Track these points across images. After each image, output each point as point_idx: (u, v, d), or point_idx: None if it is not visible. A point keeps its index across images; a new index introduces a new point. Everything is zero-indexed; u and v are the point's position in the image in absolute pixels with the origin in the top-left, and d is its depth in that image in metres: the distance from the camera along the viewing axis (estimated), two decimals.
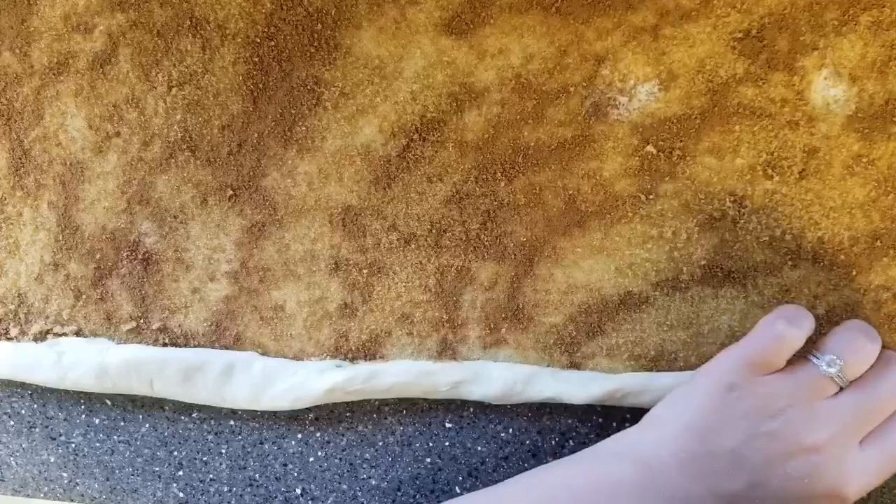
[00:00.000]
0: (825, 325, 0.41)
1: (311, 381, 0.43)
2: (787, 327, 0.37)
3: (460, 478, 0.44)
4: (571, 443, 0.43)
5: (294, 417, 0.45)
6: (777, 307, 0.39)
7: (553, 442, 0.43)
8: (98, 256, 0.45)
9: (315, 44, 0.43)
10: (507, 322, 0.43)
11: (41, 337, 0.45)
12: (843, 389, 0.36)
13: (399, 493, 0.44)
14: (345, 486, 0.45)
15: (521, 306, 0.43)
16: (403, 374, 0.42)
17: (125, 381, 0.43)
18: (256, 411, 0.45)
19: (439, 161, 0.43)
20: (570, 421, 0.43)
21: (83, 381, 0.44)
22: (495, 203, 0.43)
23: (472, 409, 0.44)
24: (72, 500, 0.46)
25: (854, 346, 0.37)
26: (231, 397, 0.43)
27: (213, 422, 0.45)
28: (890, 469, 0.36)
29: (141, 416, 0.46)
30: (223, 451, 0.45)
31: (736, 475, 0.35)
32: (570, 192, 0.42)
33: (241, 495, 0.45)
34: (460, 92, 0.42)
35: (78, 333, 0.45)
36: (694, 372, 0.39)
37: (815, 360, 0.36)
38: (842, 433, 0.35)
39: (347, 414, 0.45)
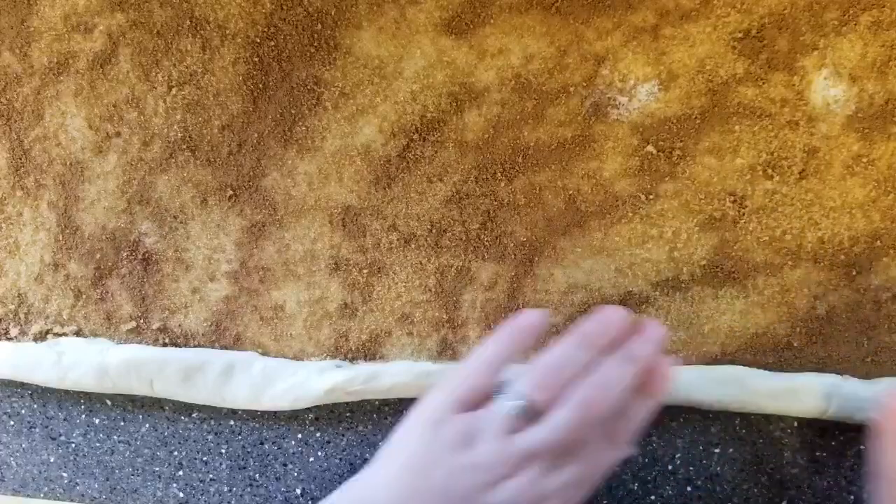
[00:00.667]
0: (825, 325, 0.41)
1: (312, 381, 0.43)
2: (487, 370, 0.37)
3: None
4: None
5: (294, 417, 0.45)
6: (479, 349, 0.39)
7: None
8: (98, 256, 0.45)
9: (315, 44, 0.43)
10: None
11: (41, 337, 0.45)
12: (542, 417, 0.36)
13: None
14: None
15: (521, 306, 0.43)
16: (403, 374, 0.42)
17: (125, 381, 0.43)
18: (256, 411, 0.45)
19: (439, 161, 0.43)
20: None
21: (83, 381, 0.44)
22: (495, 203, 0.43)
23: None
24: (72, 500, 0.46)
25: (540, 382, 0.37)
26: (231, 397, 0.43)
27: (213, 422, 0.45)
28: (587, 479, 0.36)
29: (141, 416, 0.46)
30: (223, 451, 0.45)
31: None
32: (570, 192, 0.42)
33: (241, 495, 0.45)
34: (460, 92, 0.42)
35: (78, 333, 0.45)
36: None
37: (499, 399, 0.37)
38: (531, 462, 0.35)
39: (347, 414, 0.45)
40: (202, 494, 0.46)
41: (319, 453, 0.45)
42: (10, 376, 0.45)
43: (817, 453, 0.42)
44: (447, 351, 0.43)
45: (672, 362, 0.37)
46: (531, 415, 0.36)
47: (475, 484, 0.35)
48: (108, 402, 0.46)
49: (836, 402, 0.40)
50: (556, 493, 0.35)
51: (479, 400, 0.37)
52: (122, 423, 0.46)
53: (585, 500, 0.36)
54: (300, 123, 0.43)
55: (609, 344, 0.36)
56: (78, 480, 0.46)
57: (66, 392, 0.46)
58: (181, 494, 0.46)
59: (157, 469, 0.46)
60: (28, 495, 0.47)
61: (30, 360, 0.44)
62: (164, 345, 0.45)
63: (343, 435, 0.45)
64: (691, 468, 0.43)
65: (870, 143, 0.40)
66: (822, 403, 0.40)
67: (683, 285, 0.42)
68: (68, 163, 0.45)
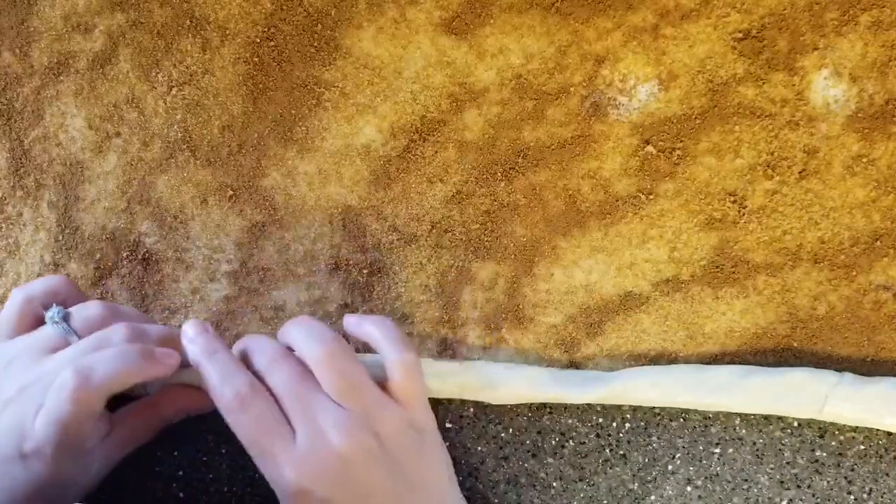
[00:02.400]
0: (825, 325, 0.41)
1: None
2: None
3: (460, 478, 0.44)
4: (571, 443, 0.43)
5: None
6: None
7: (553, 442, 0.43)
8: (98, 256, 0.45)
9: (315, 44, 0.43)
10: (506, 322, 0.43)
11: None
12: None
13: None
14: None
15: (520, 306, 0.43)
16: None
17: None
18: None
19: (439, 161, 0.43)
20: (570, 421, 0.43)
21: None
22: (495, 203, 0.43)
23: (472, 409, 0.44)
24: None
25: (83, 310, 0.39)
26: None
27: (213, 422, 0.45)
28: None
29: None
30: (223, 451, 0.45)
31: None
32: (570, 192, 0.42)
33: (241, 495, 0.45)
34: (460, 92, 0.42)
35: None
36: None
37: (45, 313, 0.38)
38: (37, 384, 0.36)
39: None
40: (202, 494, 0.46)
41: None
42: None
43: (817, 453, 0.42)
44: (447, 351, 0.43)
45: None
46: (69, 331, 0.38)
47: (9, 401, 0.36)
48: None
49: (836, 402, 0.40)
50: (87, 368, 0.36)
51: (15, 328, 0.39)
52: None
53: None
54: (300, 123, 0.43)
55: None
56: None
57: None
58: (181, 494, 0.46)
59: (157, 469, 0.46)
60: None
61: None
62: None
63: None
64: (691, 468, 0.43)
65: (870, 143, 0.40)
66: (822, 403, 0.40)
67: (683, 285, 0.42)
68: (68, 163, 0.45)
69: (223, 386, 0.36)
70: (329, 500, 0.35)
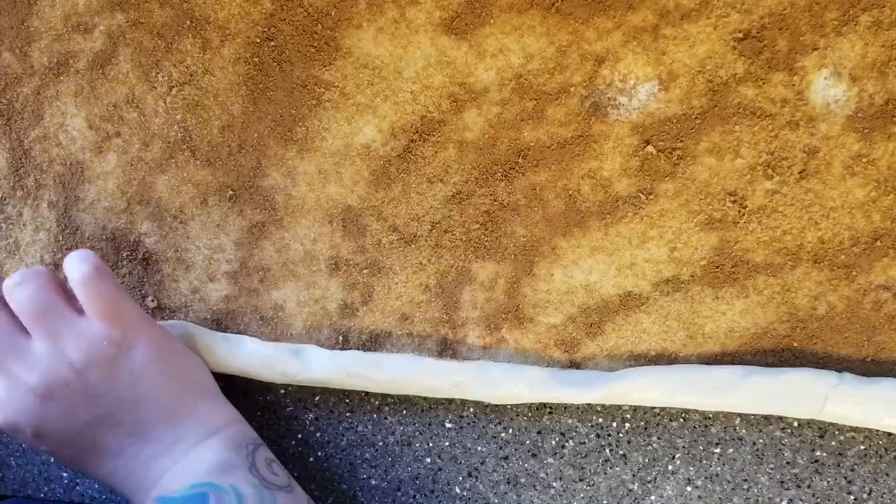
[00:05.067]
0: (825, 325, 0.41)
1: (318, 355, 0.43)
2: None
3: (460, 478, 0.44)
4: (571, 443, 0.43)
5: (294, 417, 0.45)
6: None
7: (553, 442, 0.43)
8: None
9: (315, 44, 0.43)
10: (507, 322, 0.43)
11: None
12: None
13: (399, 493, 0.44)
14: (345, 486, 0.45)
15: (520, 306, 0.43)
16: (405, 366, 0.42)
17: None
18: (256, 412, 0.45)
19: (439, 161, 0.43)
20: (570, 421, 0.43)
21: None
22: (495, 203, 0.43)
23: (472, 409, 0.44)
24: (72, 500, 0.46)
25: None
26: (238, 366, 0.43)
27: None
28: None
29: None
30: None
31: None
32: (570, 192, 0.42)
33: None
34: (460, 92, 0.42)
35: None
36: None
37: None
38: None
39: (347, 414, 0.45)
40: None
41: (319, 453, 0.45)
42: None
43: (817, 453, 0.42)
44: (447, 351, 0.43)
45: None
46: None
47: None
48: None
49: (836, 402, 0.40)
50: None
51: None
52: None
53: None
54: (300, 124, 0.43)
55: None
56: (78, 480, 0.46)
57: None
58: None
59: None
60: (28, 495, 0.46)
61: None
62: None
63: (343, 435, 0.45)
64: (691, 468, 0.43)
65: (870, 143, 0.40)
66: (822, 403, 0.40)
67: (683, 285, 0.42)
68: (68, 163, 0.45)
69: None
70: (39, 433, 0.37)
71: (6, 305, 0.38)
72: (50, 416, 0.37)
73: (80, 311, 0.38)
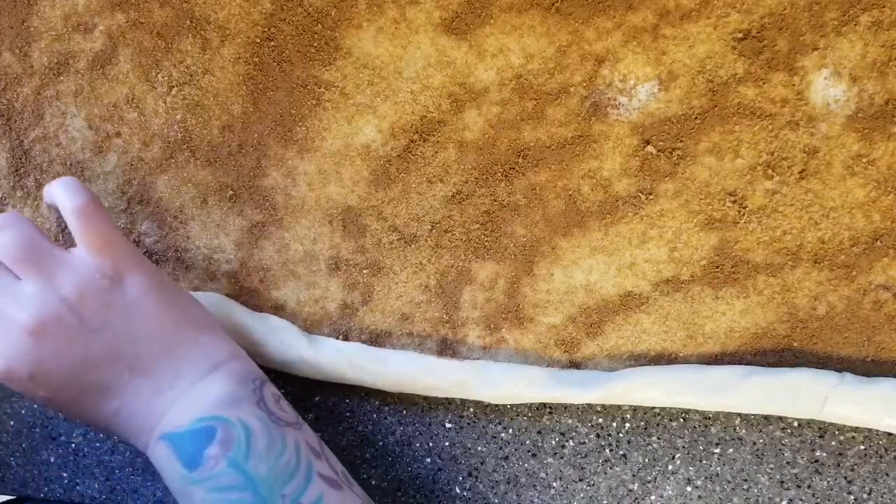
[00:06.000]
0: (825, 325, 0.41)
1: (315, 347, 0.43)
2: None
3: (460, 478, 0.44)
4: (571, 443, 0.43)
5: None
6: None
7: (553, 442, 0.43)
8: None
9: (315, 44, 0.43)
10: (507, 322, 0.43)
11: None
12: None
13: (399, 493, 0.44)
14: None
15: (520, 306, 0.43)
16: (407, 363, 0.42)
17: None
18: None
19: (439, 161, 0.43)
20: (570, 421, 0.43)
21: None
22: (495, 203, 0.43)
23: (472, 409, 0.44)
24: (72, 500, 0.46)
25: None
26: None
27: None
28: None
29: None
30: None
31: None
32: (570, 192, 0.42)
33: None
34: (460, 92, 0.42)
35: None
36: None
37: None
38: None
39: (347, 414, 0.45)
40: None
41: None
42: None
43: (817, 453, 0.42)
44: (447, 351, 0.43)
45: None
46: None
47: None
48: None
49: (836, 402, 0.40)
50: None
51: None
52: None
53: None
54: (300, 124, 0.43)
55: None
56: (78, 480, 0.46)
57: None
58: None
59: (156, 470, 0.46)
60: (28, 495, 0.46)
61: None
62: None
63: (343, 435, 0.45)
64: (691, 468, 0.43)
65: (870, 143, 0.40)
66: (822, 403, 0.40)
67: (683, 285, 0.42)
68: (68, 163, 0.45)
69: None
70: (35, 376, 0.36)
71: None
72: (45, 356, 0.36)
73: (65, 247, 0.38)
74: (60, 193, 0.38)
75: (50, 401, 0.37)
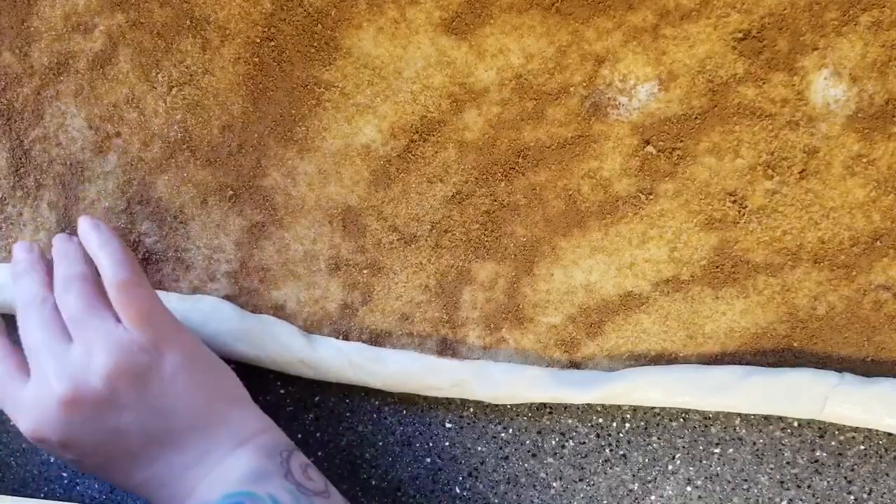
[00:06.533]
0: (825, 325, 0.41)
1: (326, 343, 0.43)
2: None
3: (460, 478, 0.44)
4: (571, 443, 0.43)
5: (294, 417, 0.45)
6: None
7: (553, 442, 0.43)
8: None
9: (315, 44, 0.43)
10: (507, 322, 0.43)
11: None
12: None
13: (399, 493, 0.44)
14: (345, 486, 0.45)
15: (520, 306, 0.43)
16: (407, 362, 0.42)
17: None
18: None
19: (439, 161, 0.43)
20: (570, 421, 0.43)
21: None
22: (495, 203, 0.43)
23: (472, 409, 0.44)
24: (72, 500, 0.46)
25: None
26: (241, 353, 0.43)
27: None
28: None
29: None
30: None
31: None
32: (570, 192, 0.42)
33: None
34: (460, 92, 0.42)
35: None
36: None
37: None
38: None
39: (347, 414, 0.45)
40: None
41: (319, 453, 0.45)
42: None
43: (817, 453, 0.42)
44: (447, 351, 0.43)
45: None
46: None
47: None
48: None
49: (836, 402, 0.40)
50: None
51: None
52: None
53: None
54: (300, 124, 0.43)
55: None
56: (78, 480, 0.46)
57: None
58: None
59: None
60: (28, 495, 0.46)
61: None
62: None
63: (343, 435, 0.45)
64: (691, 468, 0.43)
65: (870, 143, 0.40)
66: (822, 403, 0.40)
67: (683, 285, 0.42)
68: (68, 163, 0.45)
69: None
70: (65, 444, 0.36)
71: (55, 306, 0.38)
72: (76, 426, 0.36)
73: (116, 315, 0.38)
74: (104, 259, 0.38)
75: (79, 465, 0.38)
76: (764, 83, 0.40)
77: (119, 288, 0.38)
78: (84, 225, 0.40)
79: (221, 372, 0.40)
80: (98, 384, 0.36)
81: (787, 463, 0.42)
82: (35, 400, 0.37)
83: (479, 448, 0.44)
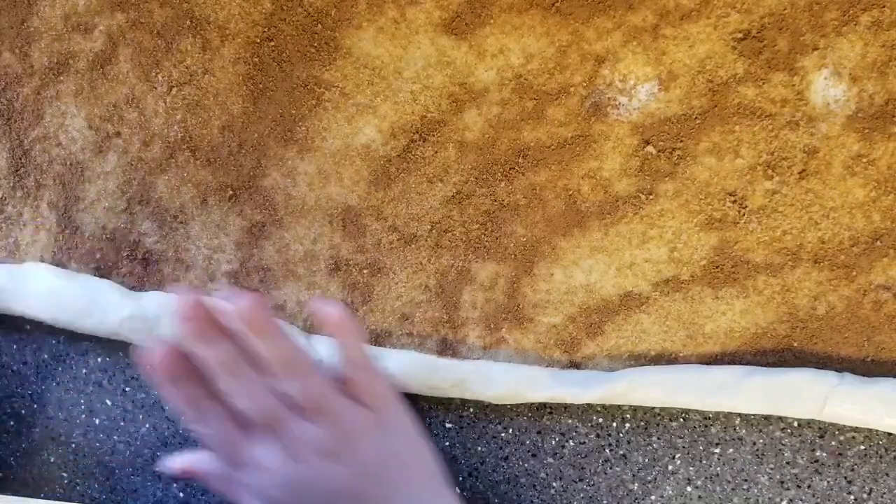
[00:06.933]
0: (825, 325, 0.41)
1: (322, 345, 0.43)
2: None
3: (460, 478, 0.44)
4: (571, 443, 0.43)
5: None
6: None
7: (553, 442, 0.43)
8: (98, 256, 0.45)
9: (315, 44, 0.43)
10: (506, 322, 0.43)
11: None
12: None
13: None
14: None
15: (520, 306, 0.43)
16: (407, 361, 0.42)
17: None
18: None
19: (439, 161, 0.43)
20: (570, 421, 0.43)
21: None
22: (495, 203, 0.43)
23: (472, 409, 0.44)
24: (72, 500, 0.46)
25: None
26: None
27: None
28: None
29: (141, 416, 0.46)
30: None
31: None
32: (570, 192, 0.42)
33: None
34: (460, 92, 0.42)
35: None
36: None
37: None
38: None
39: None
40: (202, 495, 0.46)
41: None
42: None
43: (817, 453, 0.42)
44: (447, 351, 0.43)
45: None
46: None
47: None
48: (108, 402, 0.46)
49: (836, 402, 0.40)
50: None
51: None
52: (122, 423, 0.46)
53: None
54: (300, 124, 0.43)
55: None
56: (78, 480, 0.46)
57: (66, 392, 0.46)
58: (181, 495, 0.46)
59: (157, 470, 0.46)
60: (28, 495, 0.46)
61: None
62: None
63: None
64: (691, 468, 0.43)
65: (870, 143, 0.40)
66: (822, 403, 0.40)
67: (683, 285, 0.42)
68: (68, 163, 0.45)
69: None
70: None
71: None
72: (314, 496, 0.37)
73: (347, 394, 0.38)
74: (347, 343, 0.39)
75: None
76: (764, 83, 0.40)
77: (359, 367, 0.39)
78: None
79: (426, 447, 0.40)
80: (339, 462, 0.38)
81: (787, 463, 0.42)
82: (278, 468, 0.37)
83: (479, 448, 0.44)
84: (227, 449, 0.38)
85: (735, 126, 0.41)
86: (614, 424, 0.43)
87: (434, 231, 0.43)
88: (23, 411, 0.47)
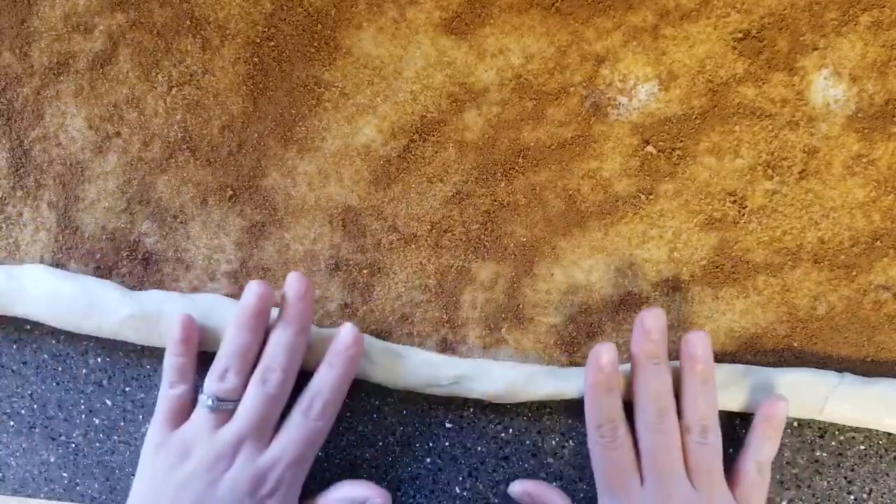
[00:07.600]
0: (825, 325, 0.41)
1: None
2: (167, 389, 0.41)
3: (460, 478, 0.44)
4: (571, 443, 0.43)
5: None
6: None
7: (553, 442, 0.43)
8: (98, 256, 0.45)
9: (315, 44, 0.43)
10: (506, 322, 0.43)
11: None
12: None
13: (399, 493, 0.44)
14: None
15: (520, 306, 0.43)
16: (408, 355, 0.42)
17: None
18: None
19: (439, 161, 0.43)
20: (570, 421, 0.43)
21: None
22: (495, 203, 0.43)
23: (472, 409, 0.44)
24: (72, 500, 0.46)
25: (218, 374, 0.40)
26: None
27: None
28: (300, 449, 0.39)
29: (141, 416, 0.45)
30: None
31: None
32: (570, 192, 0.42)
33: None
34: (460, 92, 0.42)
35: None
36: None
37: (199, 401, 0.40)
38: (240, 448, 0.39)
39: (347, 414, 0.45)
40: None
41: (319, 453, 0.45)
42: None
43: (817, 453, 0.42)
44: (447, 351, 0.43)
45: (350, 328, 0.40)
46: (227, 405, 0.39)
47: (199, 489, 0.38)
48: (108, 402, 0.46)
49: (836, 402, 0.40)
50: (273, 467, 0.39)
51: (188, 409, 0.40)
52: (122, 423, 0.46)
53: (307, 471, 0.40)
54: (300, 124, 0.43)
55: (265, 316, 0.40)
56: (78, 480, 0.46)
57: (66, 392, 0.46)
58: None
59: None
60: (28, 495, 0.46)
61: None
62: None
63: (343, 435, 0.45)
64: None
65: (870, 143, 0.40)
66: (822, 403, 0.40)
67: (683, 285, 0.42)
68: (68, 163, 0.45)
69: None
70: None
71: None
72: None
73: None
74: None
75: None
76: (764, 83, 0.40)
77: None
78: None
79: None
80: None
81: (787, 463, 0.42)
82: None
83: (479, 448, 0.44)
84: (614, 478, 0.39)
85: (735, 126, 0.41)
86: None
87: (434, 231, 0.43)
88: (22, 411, 0.47)
